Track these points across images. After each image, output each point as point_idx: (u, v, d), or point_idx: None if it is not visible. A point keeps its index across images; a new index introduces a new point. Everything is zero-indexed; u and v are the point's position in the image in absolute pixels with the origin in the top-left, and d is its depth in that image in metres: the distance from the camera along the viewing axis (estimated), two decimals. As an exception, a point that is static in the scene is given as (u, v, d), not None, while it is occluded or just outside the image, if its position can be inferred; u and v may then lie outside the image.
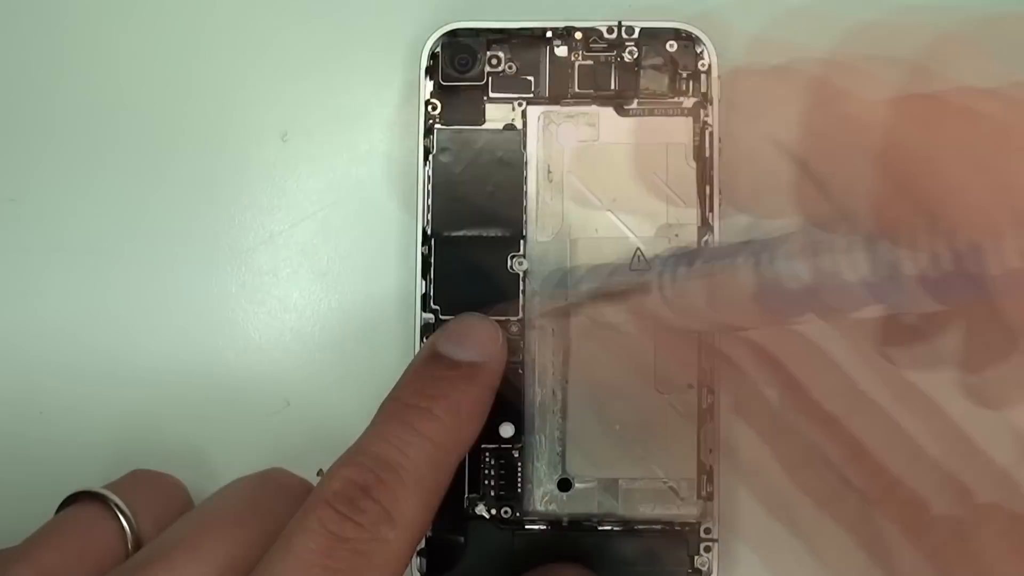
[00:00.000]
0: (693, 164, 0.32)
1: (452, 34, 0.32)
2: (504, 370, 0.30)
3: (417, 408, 0.28)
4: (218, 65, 0.36)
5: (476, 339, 0.30)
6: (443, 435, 0.28)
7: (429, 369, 0.29)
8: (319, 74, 0.36)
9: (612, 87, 0.32)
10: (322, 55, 0.36)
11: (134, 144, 0.36)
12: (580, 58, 0.32)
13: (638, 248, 0.32)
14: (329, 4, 0.36)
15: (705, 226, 0.32)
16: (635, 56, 0.32)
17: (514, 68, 0.32)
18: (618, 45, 0.32)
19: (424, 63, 0.32)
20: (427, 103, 0.33)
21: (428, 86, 0.33)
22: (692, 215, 0.32)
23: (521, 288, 0.32)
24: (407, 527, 0.26)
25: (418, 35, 0.35)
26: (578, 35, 0.32)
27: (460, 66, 0.32)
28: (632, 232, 0.32)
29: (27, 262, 0.36)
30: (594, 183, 0.32)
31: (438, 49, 0.32)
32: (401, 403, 0.28)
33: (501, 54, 0.32)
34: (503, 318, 0.32)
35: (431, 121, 0.32)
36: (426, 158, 0.32)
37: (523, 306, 0.32)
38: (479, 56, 0.32)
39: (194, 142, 0.36)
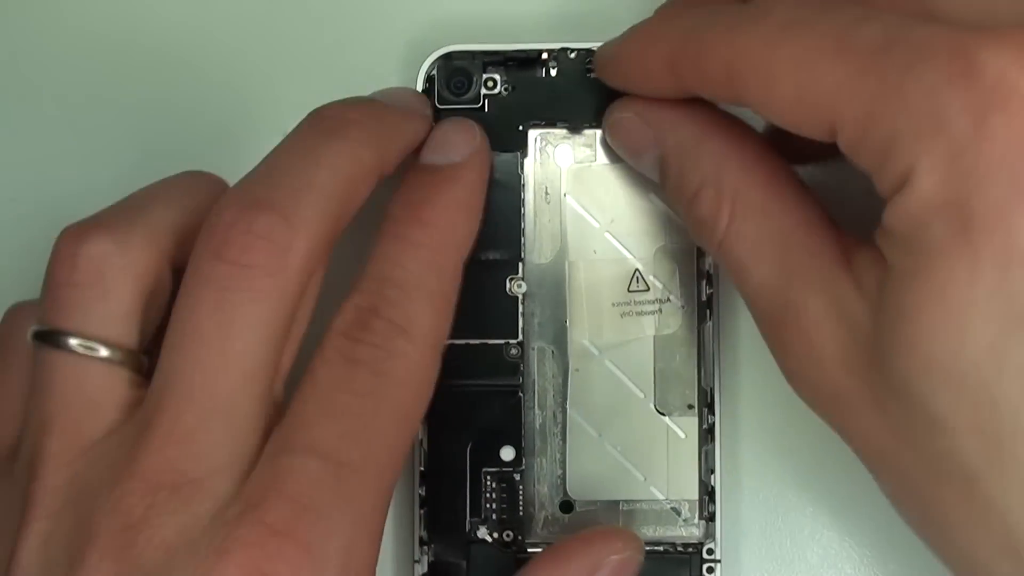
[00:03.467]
0: (692, 183, 0.32)
1: (447, 57, 0.32)
2: (488, 165, 0.31)
3: (406, 219, 0.28)
4: (219, 66, 0.36)
5: (452, 142, 0.30)
6: (437, 237, 0.28)
7: (412, 182, 0.29)
8: (319, 75, 0.36)
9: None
10: (322, 56, 0.36)
11: (135, 145, 0.36)
12: (577, 79, 0.32)
13: (637, 269, 0.32)
14: (330, 6, 0.36)
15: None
16: None
17: (510, 90, 0.32)
18: None
19: (420, 86, 0.32)
20: None
21: None
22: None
23: (520, 310, 0.32)
24: (424, 336, 0.27)
25: (418, 35, 0.35)
26: (573, 55, 0.32)
27: (456, 89, 0.32)
28: (631, 253, 0.32)
29: (27, 262, 0.34)
30: (592, 204, 0.32)
31: (434, 72, 0.32)
32: (391, 220, 0.28)
33: (497, 76, 0.32)
34: (502, 341, 0.32)
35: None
36: None
37: (522, 328, 0.32)
38: (475, 79, 0.32)
39: (194, 143, 0.36)
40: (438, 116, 0.32)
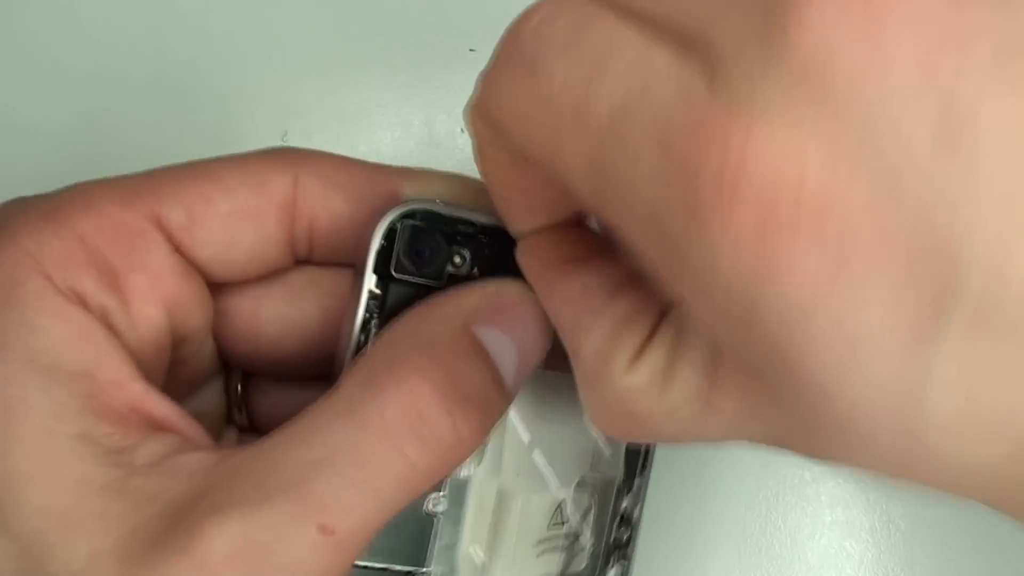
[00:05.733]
0: (631, 413, 0.29)
1: (413, 218, 0.26)
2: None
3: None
4: (219, 65, 0.36)
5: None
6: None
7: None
8: (319, 74, 0.36)
9: None
10: (322, 56, 0.36)
11: (135, 145, 0.35)
12: None
13: (562, 501, 0.28)
14: (329, 6, 0.36)
15: (627, 487, 0.29)
16: None
17: (476, 272, 0.27)
18: None
19: (376, 244, 0.26)
20: (370, 293, 0.26)
21: (373, 274, 0.26)
22: (617, 467, 0.29)
23: (434, 531, 0.27)
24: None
25: (421, 37, 0.34)
26: None
27: (417, 258, 0.26)
28: (554, 480, 0.28)
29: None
30: (526, 415, 0.28)
31: (396, 229, 0.26)
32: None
33: (466, 252, 0.26)
34: (409, 568, 0.27)
35: (369, 316, 0.26)
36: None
37: (433, 556, 0.27)
38: (442, 251, 0.26)
39: (194, 143, 0.35)
40: (387, 285, 0.26)
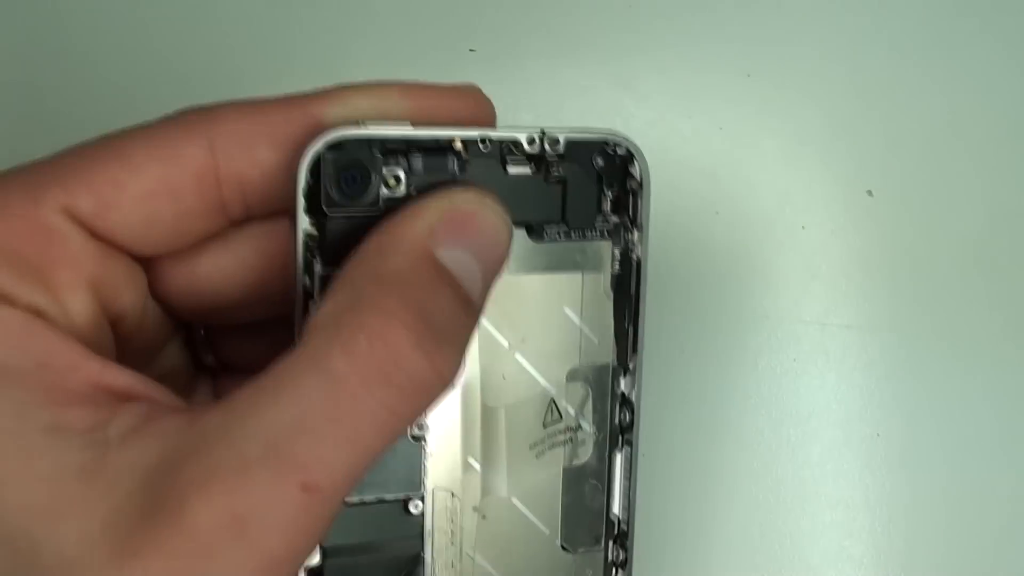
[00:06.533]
0: (610, 294, 0.28)
1: (336, 147, 0.25)
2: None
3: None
4: (219, 65, 0.36)
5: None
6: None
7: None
8: (319, 74, 0.34)
9: (529, 208, 0.27)
10: (322, 56, 0.37)
11: None
12: (494, 174, 0.27)
13: (552, 399, 0.28)
14: (329, 6, 0.36)
15: (622, 368, 0.29)
16: (555, 172, 0.27)
17: (415, 193, 0.26)
18: (538, 159, 0.27)
19: (302, 182, 0.25)
20: (306, 235, 0.25)
21: (305, 215, 0.25)
22: (608, 351, 0.29)
23: (422, 454, 0.27)
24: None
25: (421, 37, 0.35)
26: (489, 146, 0.26)
27: (348, 188, 0.26)
28: (543, 377, 0.28)
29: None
30: (502, 320, 0.28)
31: (318, 165, 0.25)
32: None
33: (400, 172, 0.26)
34: (404, 495, 0.27)
35: (311, 256, 0.25)
36: (305, 306, 0.25)
37: (425, 480, 0.27)
38: (373, 175, 0.26)
39: None
40: (323, 222, 0.25)
